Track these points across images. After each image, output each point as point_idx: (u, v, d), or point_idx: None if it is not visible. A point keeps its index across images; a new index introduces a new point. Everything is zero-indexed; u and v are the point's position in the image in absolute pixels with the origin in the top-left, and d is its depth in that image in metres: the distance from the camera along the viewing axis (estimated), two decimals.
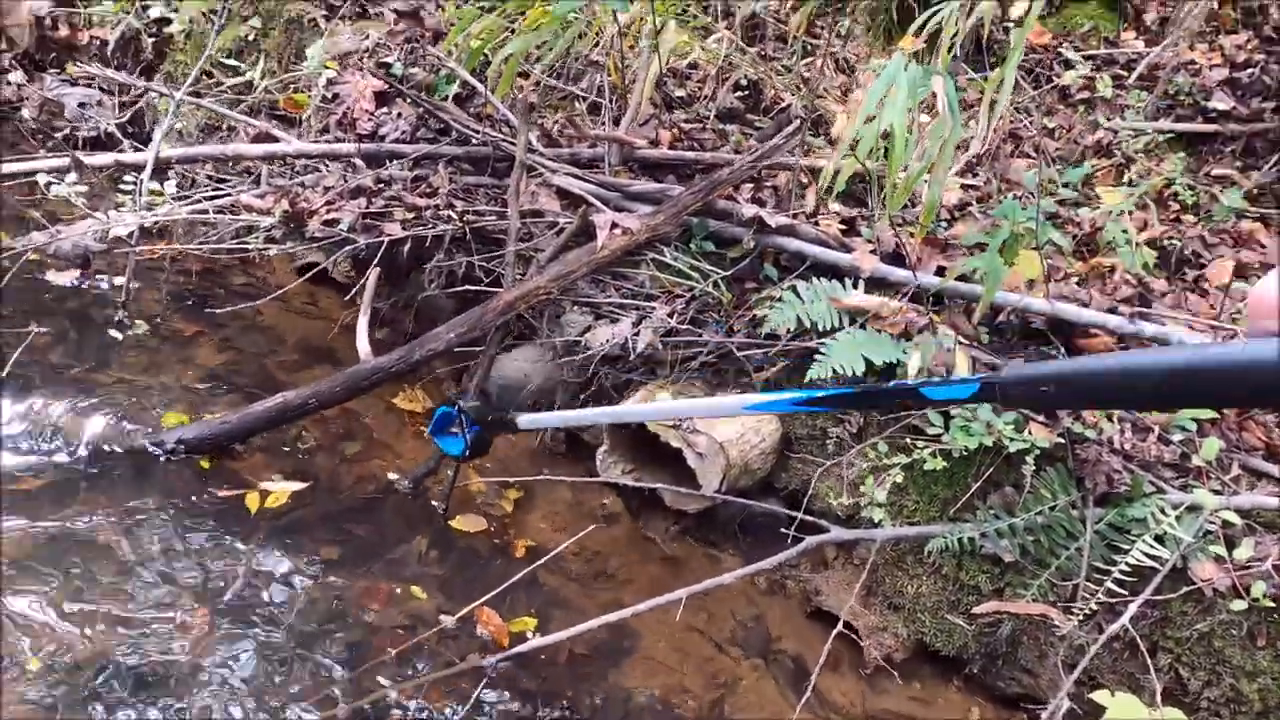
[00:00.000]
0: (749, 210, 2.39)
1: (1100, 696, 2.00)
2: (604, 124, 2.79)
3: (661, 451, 2.38)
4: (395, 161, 2.68)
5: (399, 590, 2.19)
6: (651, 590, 2.23)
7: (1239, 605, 1.91)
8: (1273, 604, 1.90)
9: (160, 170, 2.71)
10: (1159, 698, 1.93)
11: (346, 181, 2.58)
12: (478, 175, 2.71)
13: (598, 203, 2.50)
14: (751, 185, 2.63)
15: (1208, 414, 2.20)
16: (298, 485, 2.31)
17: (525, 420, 1.81)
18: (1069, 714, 2.25)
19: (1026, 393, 0.68)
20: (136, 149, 2.95)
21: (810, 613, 2.47)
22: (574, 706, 2.05)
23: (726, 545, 2.62)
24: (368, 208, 2.49)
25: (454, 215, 2.48)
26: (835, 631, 2.06)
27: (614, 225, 2.38)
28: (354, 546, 2.27)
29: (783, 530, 2.29)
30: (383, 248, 2.44)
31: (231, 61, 3.27)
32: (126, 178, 2.68)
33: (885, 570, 2.34)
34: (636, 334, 2.31)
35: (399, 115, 2.77)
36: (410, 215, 2.50)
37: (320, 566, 2.20)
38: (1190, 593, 2.00)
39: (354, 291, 2.53)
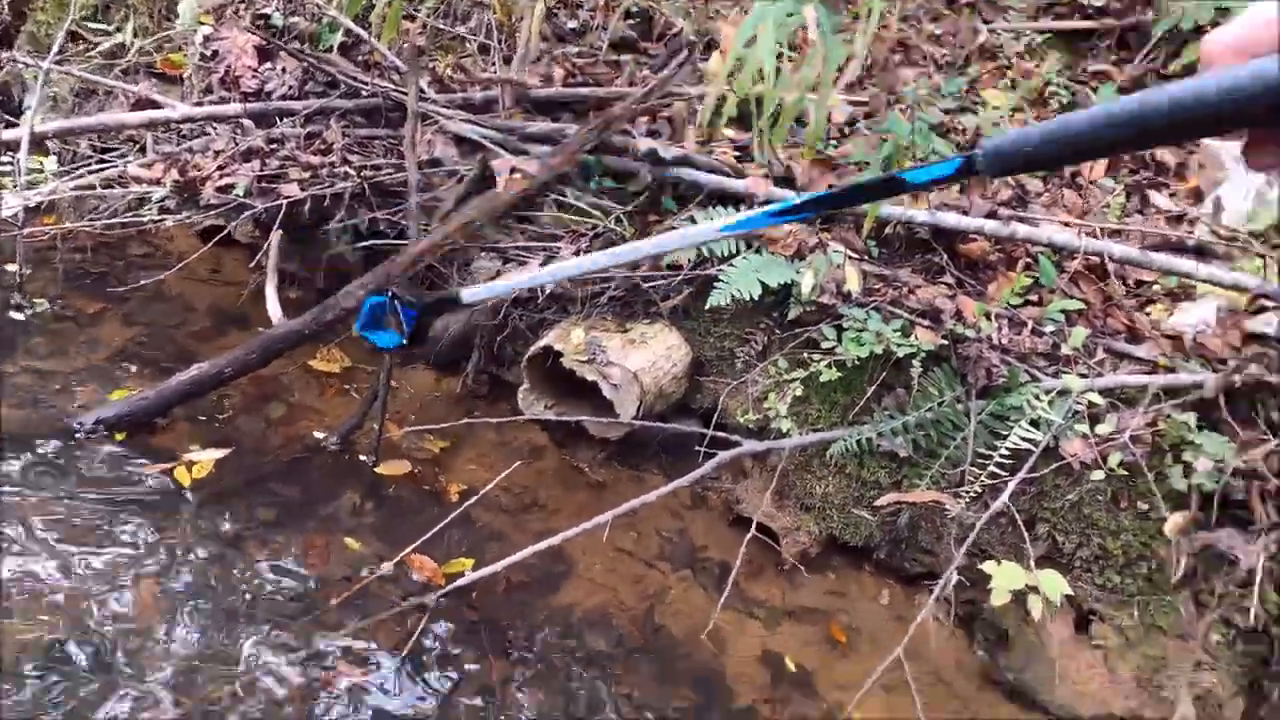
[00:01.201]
0: (644, 144, 2.44)
1: (988, 567, 2.23)
2: (494, 65, 2.77)
3: (581, 385, 2.48)
4: (285, 119, 2.64)
5: (335, 543, 2.27)
6: (582, 517, 2.35)
7: (1098, 475, 2.13)
8: (1126, 471, 2.12)
9: (37, 145, 2.62)
10: (1033, 563, 2.16)
11: (237, 144, 2.54)
12: (372, 128, 2.69)
13: (495, 148, 2.52)
14: (647, 118, 2.68)
15: (1076, 305, 2.39)
16: (220, 453, 2.35)
17: (469, 294, 1.64)
18: (968, 585, 2.49)
19: (1009, 160, 0.66)
20: (10, 124, 2.82)
21: (731, 521, 2.64)
22: (515, 630, 2.19)
23: (650, 467, 2.77)
24: (262, 170, 2.46)
25: (351, 171, 2.47)
26: (749, 535, 2.22)
27: (513, 170, 2.41)
28: (286, 506, 2.34)
29: (699, 448, 2.44)
30: (282, 210, 2.43)
31: (97, 24, 3.11)
32: (2, 157, 2.58)
33: (796, 475, 2.52)
34: None
35: (284, 70, 2.71)
36: (307, 174, 2.48)
37: (257, 528, 2.26)
38: (1061, 467, 2.22)
39: (260, 255, 2.52)
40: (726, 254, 2.33)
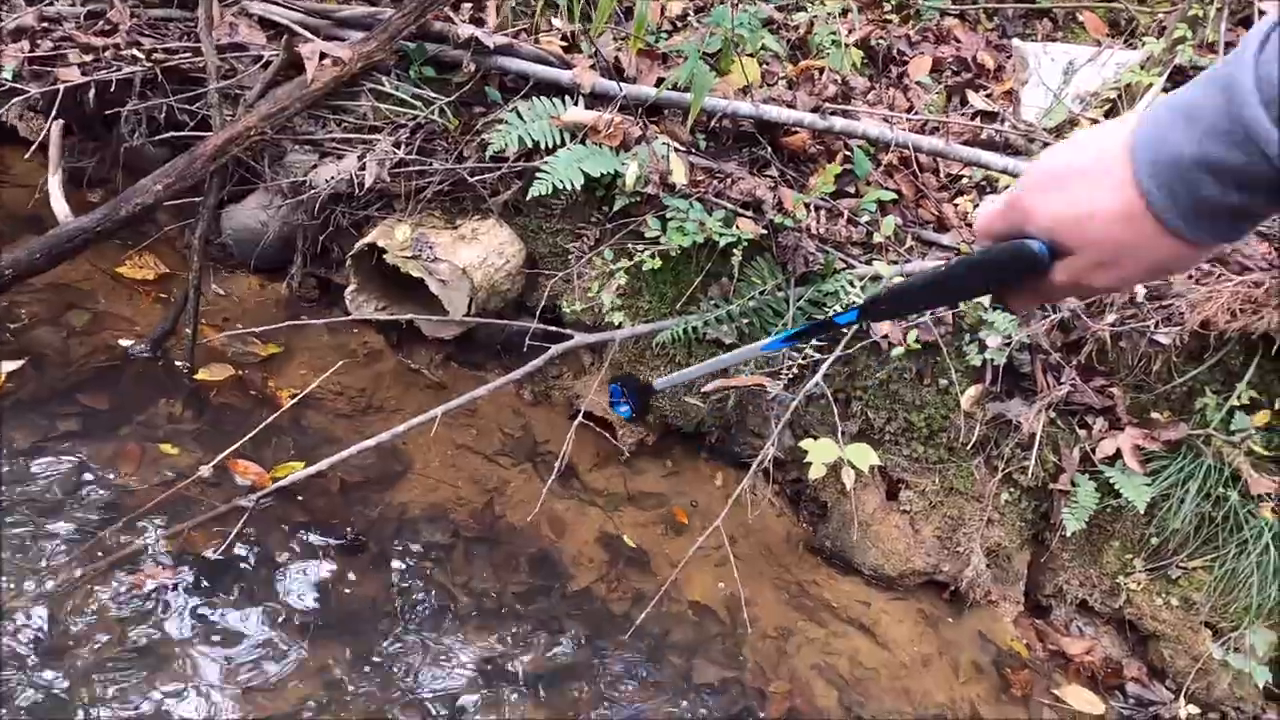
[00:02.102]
0: (465, 30, 2.35)
1: (805, 444, 2.38)
2: None
3: (415, 286, 2.42)
4: None
5: (151, 450, 2.17)
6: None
7: (898, 352, 2.29)
8: (920, 346, 2.29)
9: None
10: (847, 438, 2.32)
11: (3, 21, 2.26)
12: (165, 8, 2.46)
13: (305, 32, 2.36)
14: (470, 3, 2.57)
15: (889, 196, 2.51)
16: (13, 364, 2.18)
17: (660, 383, 1.93)
18: (792, 464, 2.65)
19: (875, 310, 0.86)
20: None
21: (573, 416, 2.69)
22: (349, 529, 2.18)
23: (491, 365, 2.77)
24: (33, 51, 2.21)
25: (140, 55, 2.26)
26: (575, 423, 2.27)
27: (324, 55, 2.27)
28: (94, 416, 2.21)
29: (538, 344, 2.45)
30: (59, 96, 2.20)
31: None
32: None
33: (630, 367, 2.58)
34: (363, 168, 2.27)
35: None
36: (88, 57, 2.25)
37: (59, 439, 2.13)
38: (871, 348, 2.37)
39: (36, 146, 2.29)
40: (552, 145, 2.30)
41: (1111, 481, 2.36)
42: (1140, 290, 2.12)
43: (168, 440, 2.20)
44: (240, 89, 2.31)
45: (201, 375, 2.34)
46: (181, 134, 2.31)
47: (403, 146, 2.33)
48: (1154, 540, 2.47)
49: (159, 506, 2.01)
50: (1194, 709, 2.42)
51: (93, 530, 1.94)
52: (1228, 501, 2.36)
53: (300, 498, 2.21)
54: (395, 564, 2.14)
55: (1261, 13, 2.89)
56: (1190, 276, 2.13)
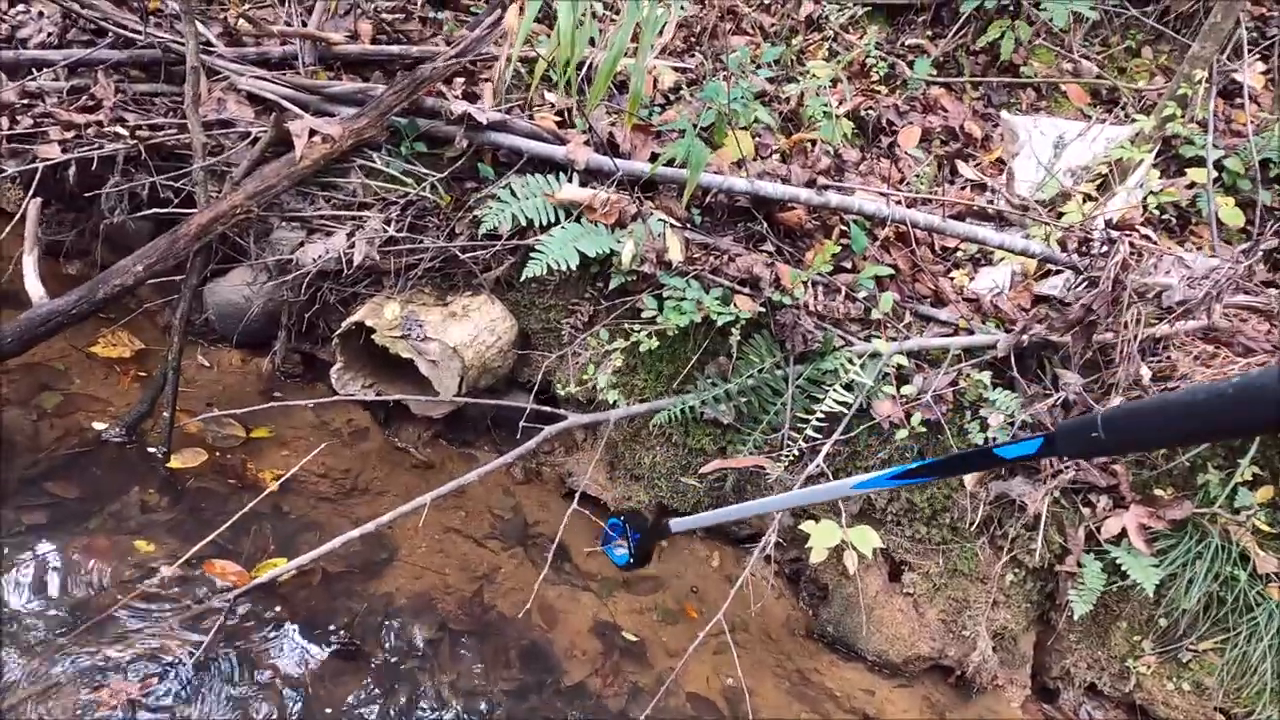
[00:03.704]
0: (458, 107, 2.32)
1: (806, 526, 2.31)
2: (292, 17, 2.55)
3: (402, 362, 2.35)
4: (43, 71, 2.32)
5: (122, 544, 2.06)
6: (408, 499, 2.25)
7: (902, 434, 2.24)
8: (926, 429, 2.24)
9: None
10: (848, 520, 2.25)
11: None
12: (152, 83, 2.41)
13: (294, 107, 2.32)
14: (464, 79, 2.55)
15: (886, 271, 2.48)
16: None
17: (677, 524, 1.92)
18: (792, 546, 2.58)
19: (1078, 442, 0.72)
20: None
21: (565, 495, 2.61)
22: (332, 624, 2.07)
23: (481, 443, 2.69)
24: (12, 127, 2.15)
25: (124, 131, 2.21)
26: (571, 508, 2.19)
27: (313, 132, 2.23)
28: (62, 507, 2.10)
29: (523, 424, 2.38)
30: (38, 174, 2.14)
31: None
32: None
33: (625, 446, 2.51)
34: (351, 246, 2.22)
35: (40, 14, 2.38)
36: (70, 134, 2.19)
37: (22, 534, 2.02)
38: (873, 428, 2.32)
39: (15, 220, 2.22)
40: (546, 222, 2.26)
41: (1118, 562, 2.30)
42: (1146, 373, 2.09)
43: (140, 532, 2.10)
44: (227, 166, 2.26)
45: (175, 463, 2.24)
46: (165, 210, 2.24)
47: (393, 224, 2.28)
48: (1163, 622, 2.40)
49: (128, 609, 1.89)
50: None
51: (53, 637, 1.83)
52: (1237, 582, 2.30)
53: (281, 592, 2.10)
54: (381, 664, 2.03)
55: (1246, 88, 2.94)
56: (1195, 358, 2.11)
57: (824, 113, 2.95)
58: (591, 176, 2.42)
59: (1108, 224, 2.27)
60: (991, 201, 2.87)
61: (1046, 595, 2.49)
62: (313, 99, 2.37)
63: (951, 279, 2.61)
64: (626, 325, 2.27)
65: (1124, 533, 2.34)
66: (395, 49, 2.54)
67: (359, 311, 2.31)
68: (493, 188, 2.36)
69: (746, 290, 2.32)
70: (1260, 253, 2.44)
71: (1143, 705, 2.44)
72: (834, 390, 2.28)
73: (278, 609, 2.06)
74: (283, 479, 2.22)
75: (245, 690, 1.86)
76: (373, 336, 2.25)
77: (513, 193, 2.30)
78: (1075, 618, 2.37)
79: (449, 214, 2.35)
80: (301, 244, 2.29)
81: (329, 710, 1.90)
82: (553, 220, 2.27)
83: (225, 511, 2.19)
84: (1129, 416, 0.67)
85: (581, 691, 2.15)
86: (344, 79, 2.44)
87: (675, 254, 2.29)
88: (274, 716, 1.83)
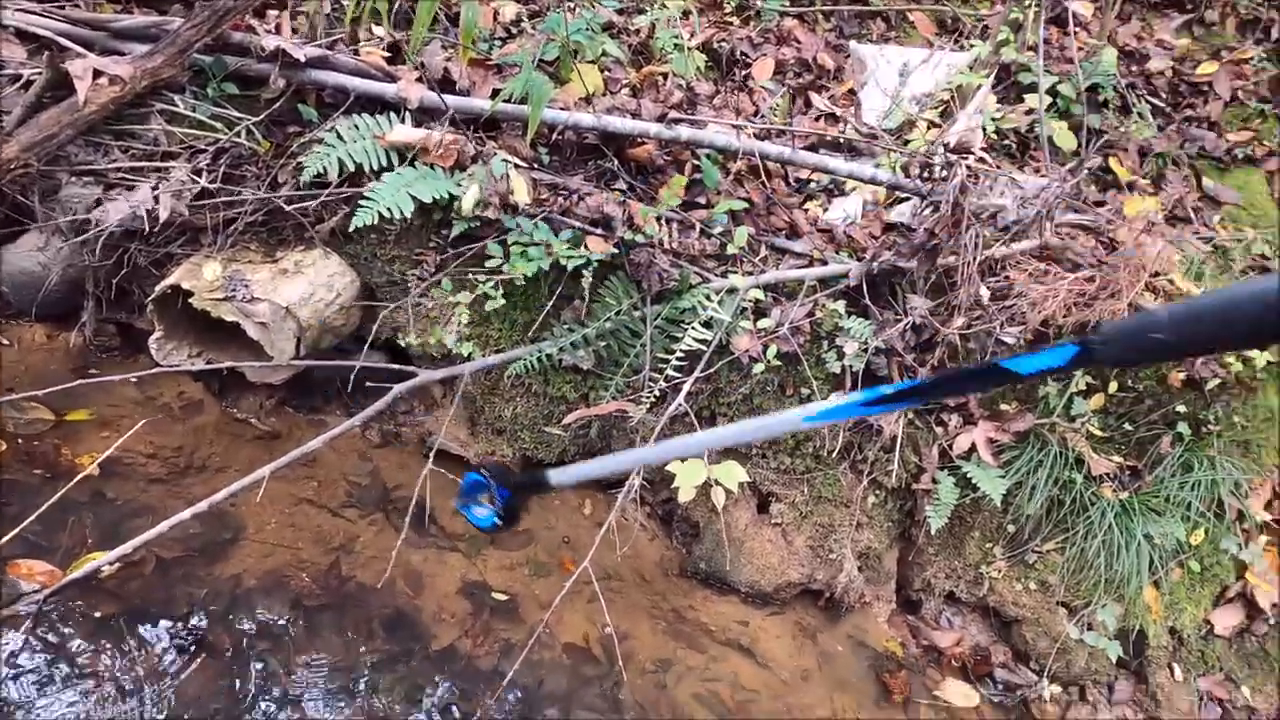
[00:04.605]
0: (269, 42, 2.10)
1: (673, 466, 2.29)
2: None
3: (233, 326, 2.16)
4: None
5: None
6: (251, 473, 2.08)
7: (759, 368, 2.24)
8: (780, 362, 2.25)
9: None
10: (708, 455, 2.25)
11: None
12: None
13: (74, 45, 2.04)
14: (276, 10, 2.31)
15: (741, 205, 2.45)
16: None
17: (557, 475, 1.59)
18: (663, 486, 2.57)
19: (1127, 347, 0.62)
20: None
21: (427, 455, 2.49)
22: (168, 616, 1.91)
23: (332, 408, 2.53)
24: None
25: None
26: (428, 468, 2.09)
27: (99, 73, 1.97)
28: None
29: (371, 383, 2.24)
30: None
31: None
32: None
33: (484, 400, 2.41)
34: (156, 201, 1.99)
35: None
36: None
37: None
38: (732, 363, 2.31)
39: None
40: (378, 167, 2.10)
41: (969, 475, 2.41)
42: (985, 292, 2.16)
43: None
44: None
45: None
46: None
47: (205, 174, 2.07)
48: (1011, 528, 2.55)
49: None
50: (1056, 688, 2.52)
51: None
52: (1074, 485, 2.45)
53: (108, 586, 1.92)
54: (229, 651, 1.89)
55: (1075, 15, 3.04)
56: (1029, 275, 2.19)
57: (675, 45, 2.86)
58: (427, 116, 2.25)
59: (947, 148, 2.31)
60: (843, 132, 2.88)
61: (906, 513, 2.59)
62: (97, 35, 2.09)
63: (806, 210, 2.61)
64: (473, 275, 2.15)
65: (973, 448, 2.44)
66: None
67: (174, 274, 2.09)
68: (317, 131, 2.17)
69: (599, 231, 2.24)
70: (1086, 172, 2.55)
71: (995, 607, 2.60)
72: (693, 328, 2.25)
73: (105, 606, 1.89)
74: (98, 461, 2.02)
75: (71, 699, 1.70)
76: (192, 301, 2.05)
77: (339, 136, 2.12)
78: (932, 532, 2.48)
79: (269, 162, 2.15)
80: (98, 201, 2.04)
81: (172, 708, 1.76)
82: (385, 165, 2.11)
83: (36, 505, 1.97)
84: (1194, 317, 0.61)
85: (452, 655, 2.08)
86: (135, 12, 2.17)
87: (522, 196, 2.18)
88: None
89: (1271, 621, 2.58)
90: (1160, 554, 2.49)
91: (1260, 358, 2.41)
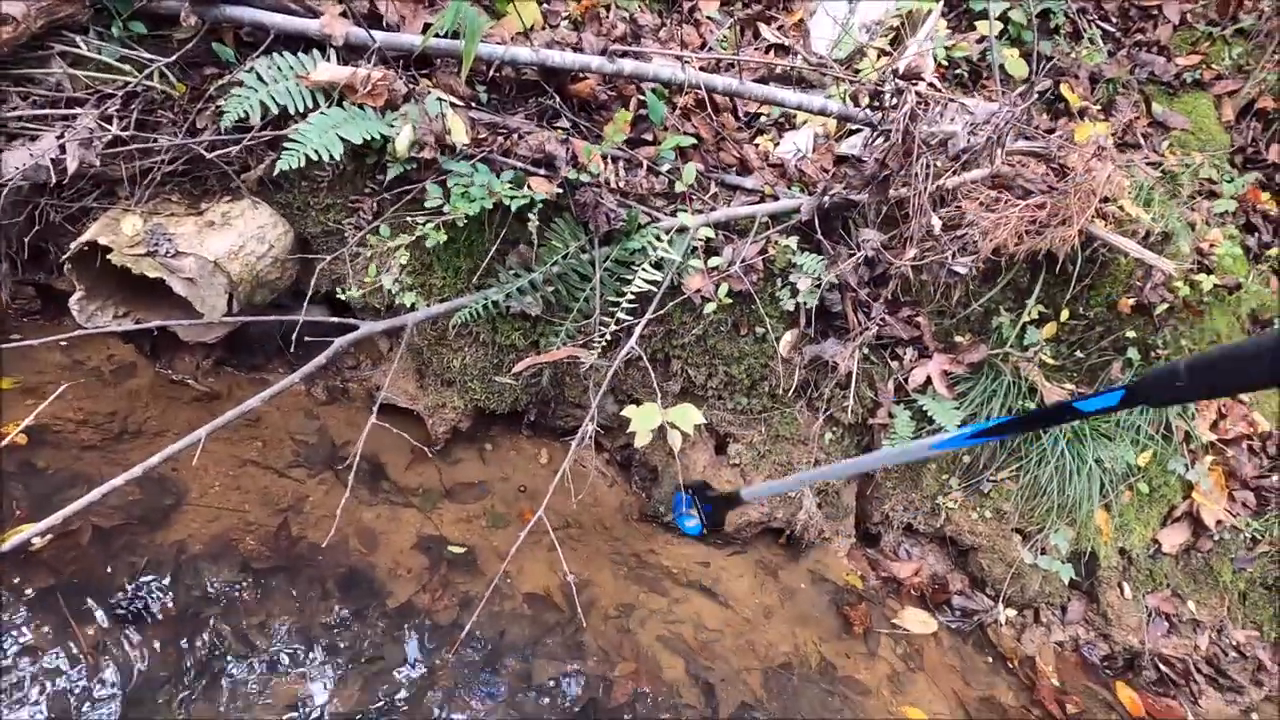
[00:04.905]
0: None
1: (628, 410, 2.25)
2: None
3: (157, 284, 2.05)
4: None
5: None
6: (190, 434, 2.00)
7: (711, 307, 2.20)
8: (733, 301, 2.21)
9: None
10: (664, 397, 2.22)
11: None
12: None
13: None
14: None
15: (689, 141, 2.38)
16: None
17: (749, 493, 2.07)
18: (618, 430, 2.54)
19: (1158, 391, 0.74)
20: None
21: (373, 408, 2.43)
22: (107, 586, 1.85)
23: (274, 365, 2.44)
24: None
25: None
26: (371, 422, 2.02)
27: None
28: None
29: (323, 339, 2.16)
30: None
31: None
32: None
33: (431, 351, 2.34)
34: (63, 151, 1.86)
35: None
36: None
37: None
38: (685, 304, 2.26)
39: None
40: (304, 109, 1.98)
41: (924, 408, 2.41)
42: (936, 223, 2.12)
43: None
44: None
45: None
46: None
47: (115, 121, 1.93)
48: (966, 459, 2.57)
49: None
50: (1011, 612, 2.58)
51: None
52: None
53: (42, 558, 1.84)
54: (173, 618, 1.84)
55: None
56: (980, 203, 2.16)
57: None
58: (354, 54, 2.13)
59: (895, 74, 2.25)
60: (793, 63, 2.80)
61: (863, 448, 2.59)
62: None
63: (756, 145, 2.55)
64: (411, 219, 2.06)
65: (928, 380, 2.45)
66: None
67: (91, 229, 1.97)
68: (237, 73, 2.04)
69: (542, 171, 2.15)
70: (1036, 96, 2.51)
71: (952, 537, 2.63)
72: (643, 269, 2.19)
73: (41, 579, 1.81)
74: (21, 428, 1.92)
75: (11, 675, 1.63)
76: (110, 258, 1.93)
77: (260, 77, 1.99)
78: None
79: (186, 107, 2.02)
80: None
81: (117, 681, 1.70)
82: (311, 106, 1.99)
83: None
84: (1208, 367, 0.74)
85: (410, 610, 2.05)
86: None
87: (459, 136, 2.08)
88: (45, 703, 1.62)
89: (1216, 538, 2.66)
90: (1111, 478, 2.54)
91: (1207, 280, 2.43)
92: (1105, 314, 2.48)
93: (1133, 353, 2.48)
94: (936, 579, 2.63)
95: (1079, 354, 2.53)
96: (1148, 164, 2.73)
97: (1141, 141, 2.93)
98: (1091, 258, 2.38)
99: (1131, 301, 2.45)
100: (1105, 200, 2.31)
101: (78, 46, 1.94)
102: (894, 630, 2.44)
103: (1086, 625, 2.63)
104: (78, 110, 1.90)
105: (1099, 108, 3.02)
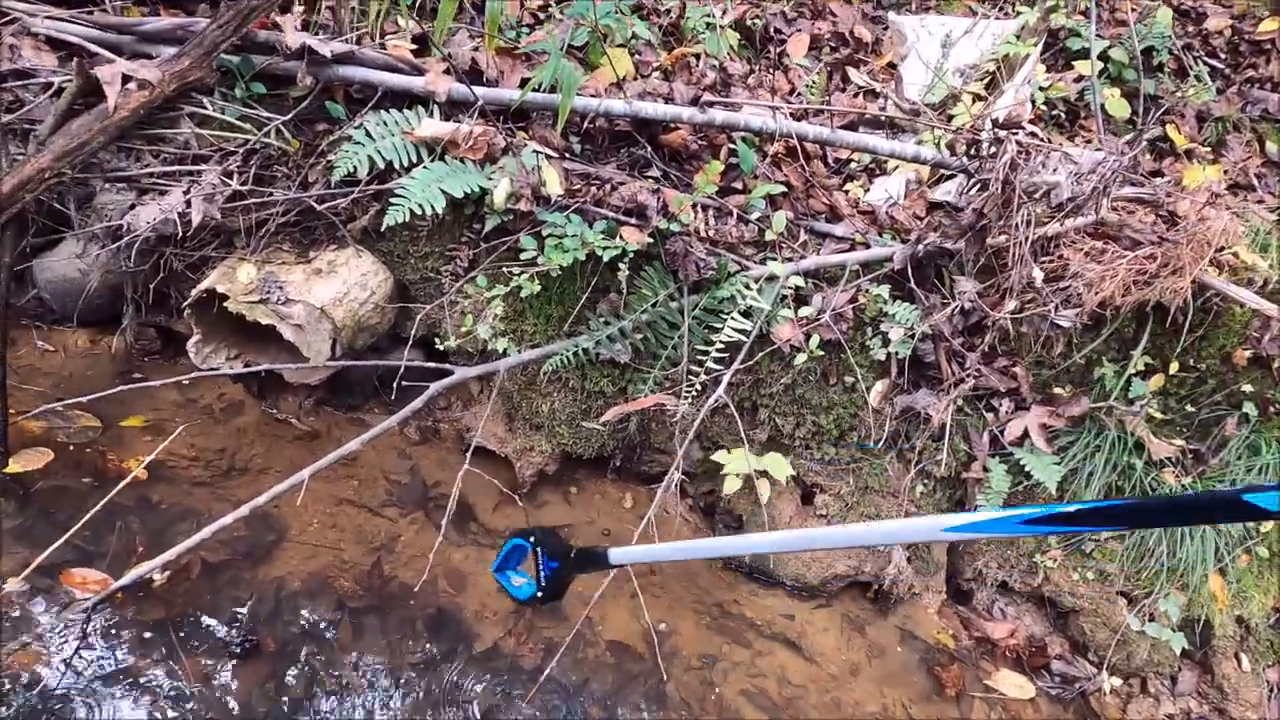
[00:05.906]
0: (294, 39, 2.07)
1: (719, 456, 2.25)
2: None
3: (266, 329, 2.15)
4: None
5: None
6: (292, 474, 2.08)
7: (801, 358, 2.18)
8: (823, 352, 2.18)
9: None
10: (758, 447, 2.20)
11: None
12: None
13: (103, 51, 2.03)
14: (303, 8, 2.28)
15: (778, 189, 2.38)
16: None
17: (617, 554, 1.46)
18: (704, 477, 2.52)
19: None
20: None
21: (465, 451, 2.48)
22: (214, 620, 1.92)
23: (370, 406, 2.52)
24: None
25: None
26: (464, 467, 2.06)
27: (128, 78, 1.96)
28: None
29: (406, 382, 2.22)
30: None
31: None
32: None
33: (521, 396, 2.38)
34: (188, 205, 1.99)
35: None
36: None
37: None
38: (773, 353, 2.25)
39: None
40: (408, 163, 2.06)
41: (1021, 463, 2.32)
42: (1038, 274, 2.06)
43: None
44: (28, 123, 1.98)
45: (14, 467, 2.02)
46: None
47: (236, 176, 2.05)
48: None
49: None
50: (1116, 680, 2.44)
51: None
52: (1134, 470, 2.36)
53: (157, 591, 1.93)
54: (275, 654, 1.90)
55: None
56: (1085, 254, 2.08)
57: (707, 24, 2.78)
58: (456, 109, 2.21)
59: (995, 124, 2.20)
60: (883, 109, 2.78)
61: (956, 502, 2.51)
62: (125, 40, 2.08)
63: (846, 192, 2.53)
64: (507, 269, 2.12)
65: (1026, 434, 2.36)
66: None
67: (210, 277, 2.09)
68: (346, 129, 2.14)
69: (633, 220, 2.18)
70: (1144, 143, 2.42)
71: (1051, 598, 2.52)
72: (732, 318, 2.19)
73: (154, 611, 1.90)
74: (143, 464, 2.03)
75: (123, 705, 1.71)
76: (227, 305, 2.04)
77: (368, 133, 2.08)
78: None
79: (299, 161, 2.13)
80: (132, 207, 2.04)
81: (220, 712, 1.77)
82: (415, 160, 2.07)
83: (84, 512, 1.99)
84: None
85: (495, 654, 2.07)
86: (162, 14, 2.15)
87: (554, 187, 2.13)
88: None
89: None
90: (1226, 540, 2.39)
91: None
92: (1218, 366, 2.35)
93: (1249, 407, 2.34)
94: (1034, 641, 2.51)
95: (1189, 408, 2.40)
96: (1264, 207, 2.60)
97: (1255, 183, 2.79)
98: (1204, 307, 2.26)
99: (1248, 353, 2.32)
100: (1220, 249, 2.20)
101: (204, 107, 2.07)
102: (988, 694, 2.34)
103: (1200, 698, 2.46)
104: (203, 167, 2.02)
105: (1208, 148, 2.89)
